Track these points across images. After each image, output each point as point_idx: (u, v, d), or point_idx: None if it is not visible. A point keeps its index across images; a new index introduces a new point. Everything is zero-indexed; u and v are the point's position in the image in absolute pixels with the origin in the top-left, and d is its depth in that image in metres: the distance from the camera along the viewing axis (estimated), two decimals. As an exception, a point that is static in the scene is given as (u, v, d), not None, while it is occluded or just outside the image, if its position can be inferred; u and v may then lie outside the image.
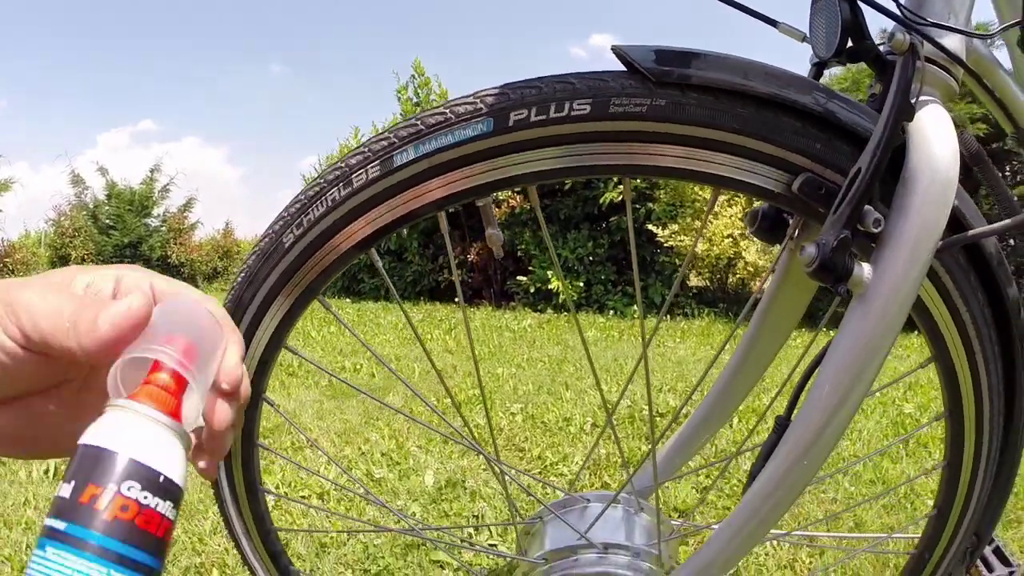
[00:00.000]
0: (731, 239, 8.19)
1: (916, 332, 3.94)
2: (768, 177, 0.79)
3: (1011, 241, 7.80)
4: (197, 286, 19.19)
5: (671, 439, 1.27)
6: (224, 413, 0.52)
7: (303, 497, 2.67)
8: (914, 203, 0.75)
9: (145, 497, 0.41)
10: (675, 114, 0.75)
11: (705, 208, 8.13)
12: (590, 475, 2.86)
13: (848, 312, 0.79)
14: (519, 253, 9.76)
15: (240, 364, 0.53)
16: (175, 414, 0.45)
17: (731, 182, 0.80)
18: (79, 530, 0.39)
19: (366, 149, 0.81)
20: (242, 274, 0.92)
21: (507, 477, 2.09)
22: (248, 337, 0.93)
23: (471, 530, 2.39)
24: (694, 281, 8.64)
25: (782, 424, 0.93)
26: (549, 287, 9.05)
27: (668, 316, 8.52)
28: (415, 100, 12.00)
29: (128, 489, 0.40)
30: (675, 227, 8.46)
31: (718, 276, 8.69)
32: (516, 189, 0.83)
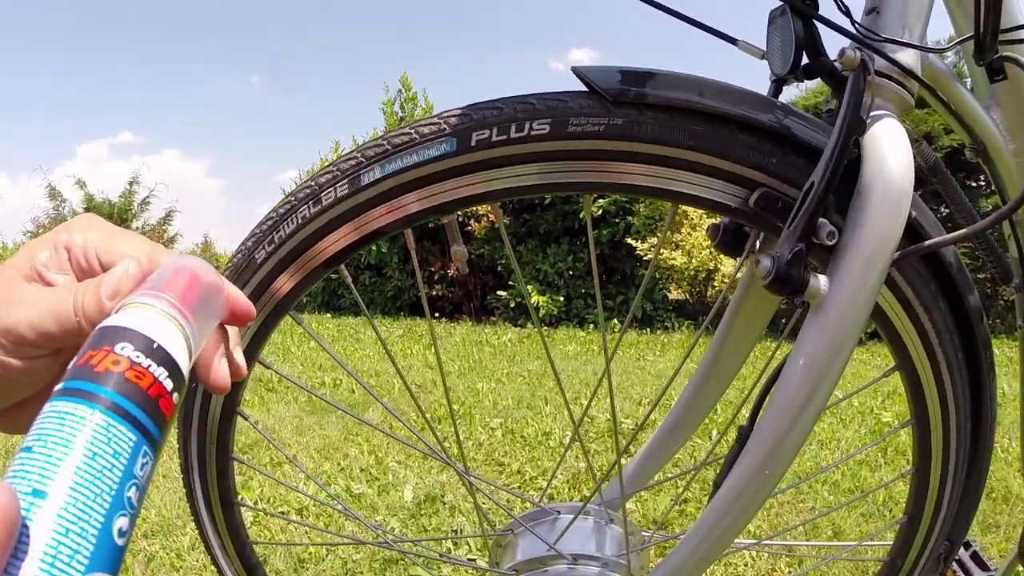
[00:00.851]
0: (709, 252, 8.21)
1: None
2: (725, 192, 0.81)
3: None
4: (178, 304, 19.25)
5: (640, 450, 1.28)
6: (221, 372, 0.53)
7: (282, 512, 2.66)
8: (868, 215, 0.77)
9: (146, 363, 0.42)
10: (632, 132, 0.77)
11: (684, 221, 8.21)
12: (569, 488, 2.87)
13: (805, 323, 0.81)
14: (499, 268, 9.77)
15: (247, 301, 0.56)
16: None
17: (689, 198, 0.81)
18: (77, 384, 0.40)
19: (335, 168, 0.83)
20: (216, 290, 0.92)
21: (482, 490, 2.09)
22: (221, 352, 0.94)
23: (450, 544, 2.39)
24: (673, 294, 8.66)
25: (744, 434, 0.95)
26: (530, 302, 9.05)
27: (647, 329, 8.54)
28: (401, 114, 12.01)
29: (122, 349, 0.41)
30: (654, 240, 8.49)
31: (697, 289, 8.70)
32: (486, 206, 0.84)
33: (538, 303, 8.97)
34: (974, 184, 8.49)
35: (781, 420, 0.82)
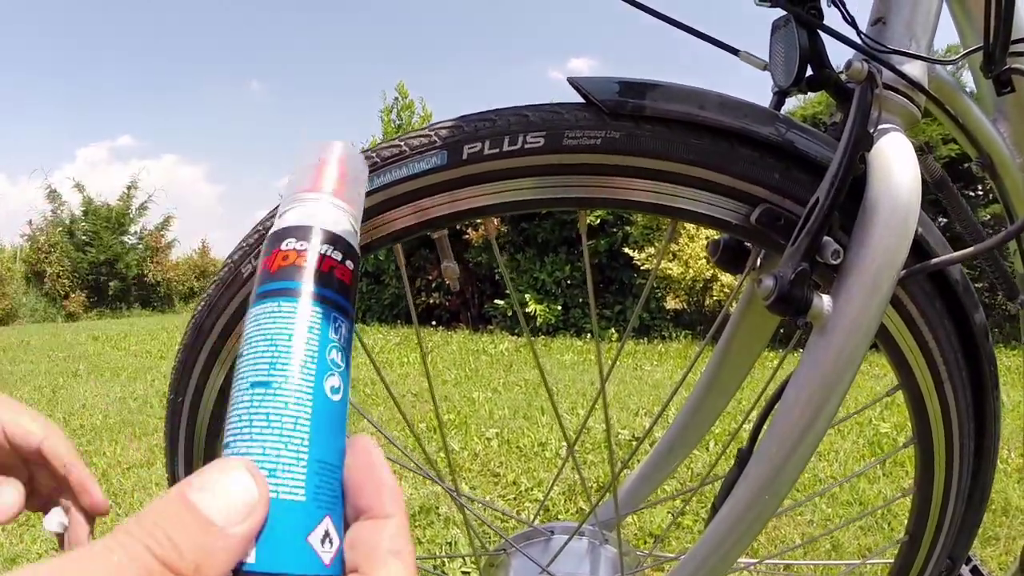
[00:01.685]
0: (707, 261, 8.20)
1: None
2: (726, 208, 0.78)
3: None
4: (174, 306, 19.23)
5: (637, 468, 1.26)
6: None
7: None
8: (874, 233, 0.74)
9: (309, 245, 0.44)
10: (630, 146, 0.75)
11: (682, 231, 8.20)
12: (565, 500, 2.84)
13: (808, 344, 0.78)
14: (496, 276, 9.76)
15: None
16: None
17: (688, 214, 0.79)
18: (262, 288, 0.43)
19: (322, 181, 0.80)
20: (203, 302, 0.91)
21: (473, 511, 2.07)
22: (208, 366, 0.92)
23: (443, 559, 2.36)
24: (671, 304, 8.64)
25: (743, 457, 0.92)
26: (527, 311, 9.03)
27: (645, 339, 8.52)
28: (398, 122, 12.03)
29: (287, 245, 0.44)
30: (651, 250, 8.48)
31: (695, 299, 8.68)
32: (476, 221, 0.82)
33: (535, 312, 8.96)
34: (972, 194, 8.49)
35: (782, 444, 0.79)
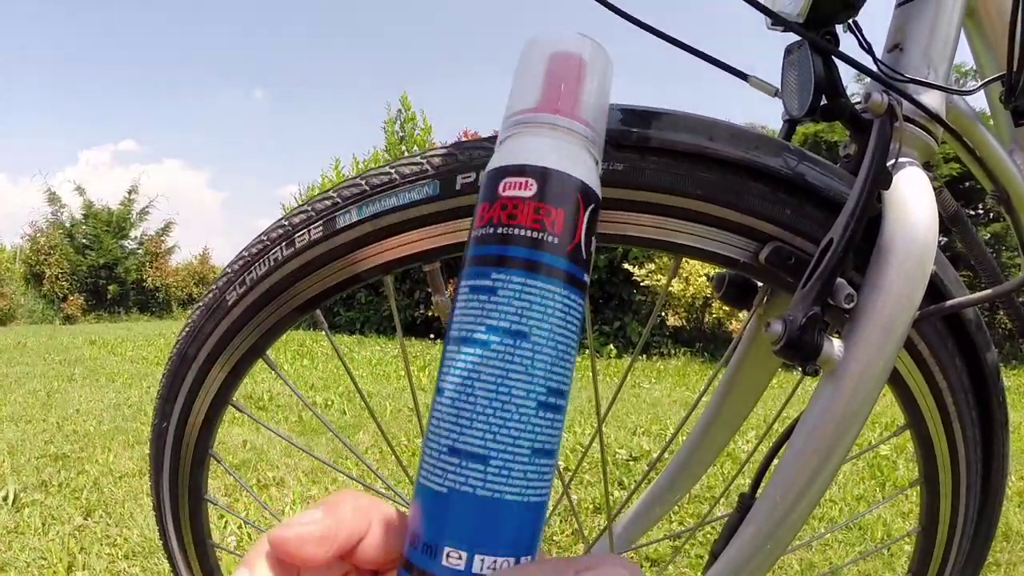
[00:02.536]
0: (707, 278, 8.20)
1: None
2: (733, 246, 0.74)
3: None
4: (172, 312, 19.31)
5: (636, 502, 1.22)
6: None
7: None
8: (890, 275, 0.70)
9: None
10: (633, 179, 0.71)
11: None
12: (560, 521, 2.80)
13: (818, 389, 0.74)
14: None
15: None
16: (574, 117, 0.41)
17: (694, 251, 0.75)
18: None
19: (309, 208, 0.77)
20: (187, 328, 0.89)
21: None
22: (192, 394, 0.90)
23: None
24: (670, 320, 8.64)
25: (746, 503, 0.88)
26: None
27: (644, 356, 8.51)
28: (401, 134, 12.08)
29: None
30: (652, 266, 8.48)
31: (694, 316, 8.69)
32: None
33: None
34: (973, 213, 8.50)
35: (787, 492, 0.75)
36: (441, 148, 0.73)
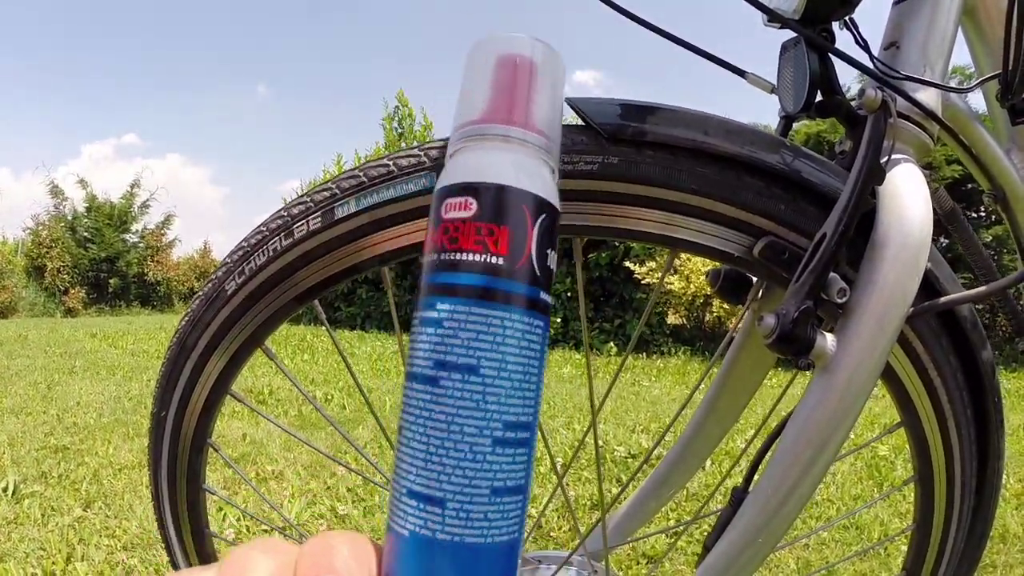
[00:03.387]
0: (707, 277, 8.20)
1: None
2: (728, 240, 0.75)
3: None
4: (173, 305, 19.32)
5: (630, 497, 1.23)
6: None
7: (265, 531, 2.62)
8: (883, 271, 0.71)
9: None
10: (629, 173, 0.71)
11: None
12: (558, 517, 2.80)
13: (810, 384, 0.74)
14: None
15: None
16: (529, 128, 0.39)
17: (689, 245, 0.75)
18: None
19: (308, 199, 0.77)
20: (187, 317, 0.89)
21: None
22: (192, 382, 0.91)
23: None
24: (671, 319, 8.63)
25: (738, 497, 0.89)
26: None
27: (643, 354, 8.50)
28: (399, 130, 12.08)
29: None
30: (652, 264, 8.47)
31: (694, 314, 8.68)
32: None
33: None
34: (974, 215, 8.49)
35: (780, 485, 0.76)
36: (439, 141, 0.74)
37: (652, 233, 0.74)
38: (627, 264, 8.68)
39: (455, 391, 0.34)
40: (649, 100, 0.73)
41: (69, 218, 18.87)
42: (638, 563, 2.39)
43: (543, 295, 0.36)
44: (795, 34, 0.77)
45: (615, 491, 3.15)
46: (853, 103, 0.78)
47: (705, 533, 2.60)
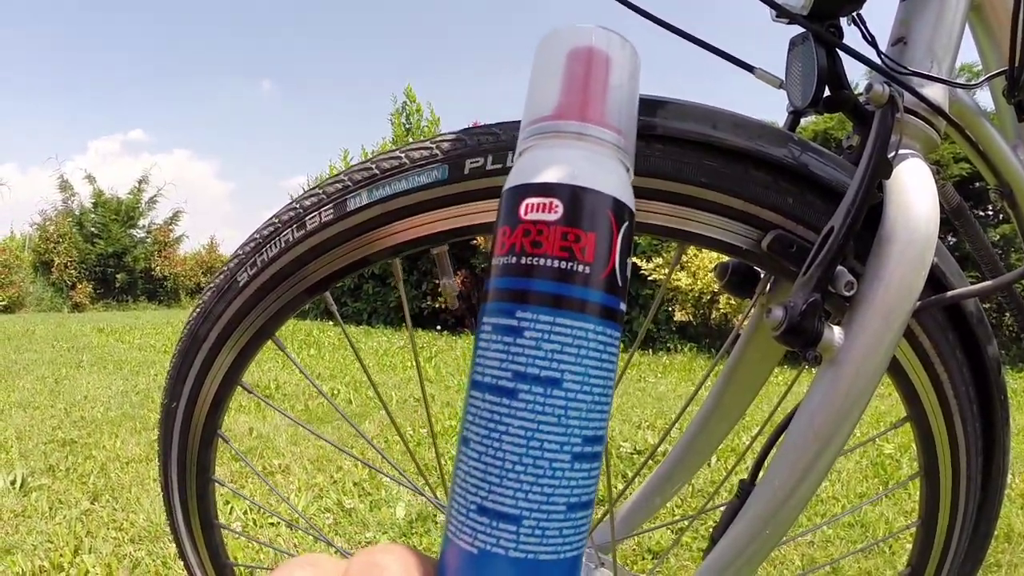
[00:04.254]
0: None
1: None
2: (736, 233, 0.75)
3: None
4: (180, 300, 19.33)
5: (636, 490, 1.23)
6: None
7: (272, 524, 2.63)
8: (889, 265, 0.71)
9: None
10: (638, 166, 0.71)
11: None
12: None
13: (817, 376, 0.75)
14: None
15: None
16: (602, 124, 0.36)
17: (697, 237, 0.76)
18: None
19: (320, 191, 0.78)
20: (198, 309, 0.90)
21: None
22: (203, 374, 0.92)
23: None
24: (677, 316, 8.60)
25: (745, 489, 0.89)
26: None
27: (650, 350, 8.49)
28: (407, 125, 12.08)
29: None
30: (659, 260, 8.45)
31: (701, 311, 8.65)
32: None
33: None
34: (983, 213, 8.45)
35: (787, 477, 0.76)
36: (450, 134, 0.74)
37: (660, 226, 0.75)
38: (635, 260, 8.66)
39: (536, 405, 0.32)
40: (657, 95, 0.74)
41: (76, 213, 18.88)
42: (643, 558, 2.40)
43: (622, 305, 0.35)
44: (803, 29, 0.78)
45: (622, 486, 3.15)
46: (861, 98, 0.78)
47: (711, 528, 2.61)
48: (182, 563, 1.10)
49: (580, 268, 0.32)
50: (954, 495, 0.95)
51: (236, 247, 0.88)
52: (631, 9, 0.72)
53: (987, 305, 7.20)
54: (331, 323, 10.99)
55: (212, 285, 0.89)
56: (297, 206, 0.79)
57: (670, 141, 0.72)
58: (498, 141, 0.72)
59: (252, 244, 0.84)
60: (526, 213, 0.33)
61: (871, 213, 0.73)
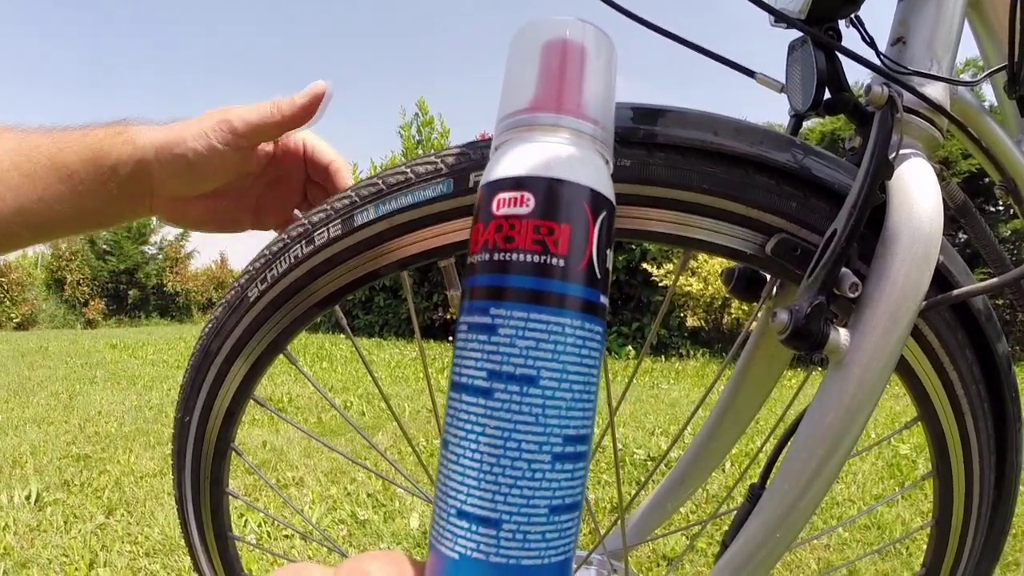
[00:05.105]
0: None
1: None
2: (740, 238, 0.76)
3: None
4: (192, 316, 19.40)
5: (649, 496, 1.23)
6: None
7: (286, 536, 2.63)
8: (894, 265, 0.71)
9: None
10: (641, 175, 0.72)
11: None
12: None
13: (825, 379, 0.75)
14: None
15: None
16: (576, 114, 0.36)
17: (702, 244, 0.76)
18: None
19: (328, 207, 0.79)
20: (210, 324, 0.90)
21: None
22: (216, 387, 0.92)
23: None
24: (689, 321, 8.60)
25: (755, 493, 0.89)
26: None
27: (662, 356, 8.48)
28: (418, 138, 12.11)
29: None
30: (670, 266, 8.45)
31: (713, 316, 8.65)
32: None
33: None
34: (992, 209, 8.43)
35: (796, 481, 0.76)
36: (455, 148, 0.75)
37: (665, 234, 0.75)
38: (645, 266, 8.65)
39: (512, 404, 0.31)
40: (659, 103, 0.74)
41: (89, 231, 18.99)
42: (658, 565, 2.40)
43: (602, 298, 0.34)
44: (802, 33, 0.78)
45: (633, 493, 3.15)
46: (861, 100, 0.78)
47: (724, 532, 2.61)
48: (197, 576, 1.11)
49: (554, 261, 0.32)
50: (967, 494, 0.94)
51: (246, 263, 0.89)
52: (636, 21, 0.73)
53: (999, 302, 7.17)
54: (343, 336, 11.01)
55: (224, 300, 0.89)
56: (306, 222, 0.80)
57: (672, 149, 0.72)
58: (502, 153, 0.72)
59: (262, 260, 0.84)
60: (498, 208, 0.33)
61: (874, 214, 0.73)
